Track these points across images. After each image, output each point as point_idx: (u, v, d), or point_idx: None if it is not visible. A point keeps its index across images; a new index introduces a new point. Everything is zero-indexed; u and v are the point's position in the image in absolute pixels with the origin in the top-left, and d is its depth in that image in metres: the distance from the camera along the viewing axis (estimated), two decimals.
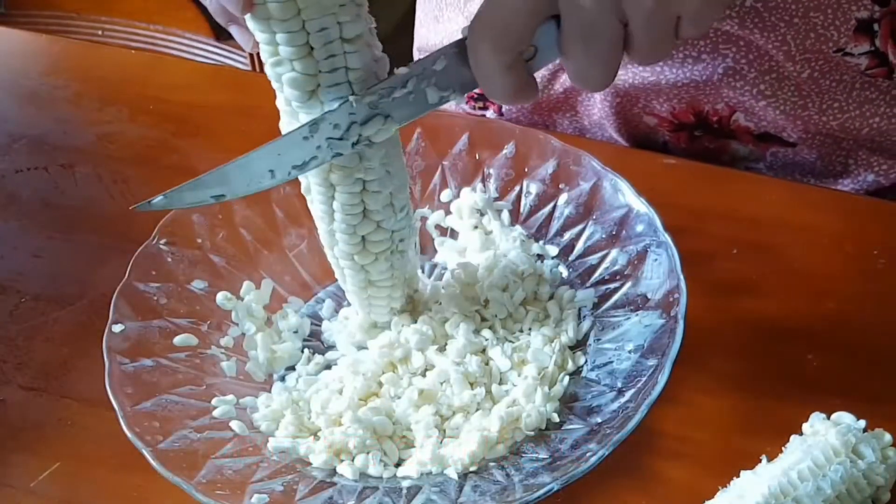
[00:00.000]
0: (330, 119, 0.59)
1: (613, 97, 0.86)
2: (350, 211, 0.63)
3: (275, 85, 0.61)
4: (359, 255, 0.66)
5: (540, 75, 0.86)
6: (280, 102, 0.62)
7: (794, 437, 0.62)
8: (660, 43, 0.53)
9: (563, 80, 0.88)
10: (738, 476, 0.60)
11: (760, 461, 0.60)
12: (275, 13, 0.57)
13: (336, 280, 0.72)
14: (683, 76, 0.83)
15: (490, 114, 0.92)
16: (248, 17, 0.58)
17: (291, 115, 0.61)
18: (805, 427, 0.63)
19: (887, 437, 0.62)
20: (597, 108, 0.88)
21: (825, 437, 0.60)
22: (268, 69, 0.60)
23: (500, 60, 0.54)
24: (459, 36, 0.81)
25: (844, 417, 0.63)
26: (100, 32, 1.40)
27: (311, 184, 0.64)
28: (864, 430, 0.62)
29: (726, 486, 0.60)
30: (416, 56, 0.98)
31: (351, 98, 0.59)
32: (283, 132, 0.63)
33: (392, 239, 0.66)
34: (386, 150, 0.63)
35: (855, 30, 0.78)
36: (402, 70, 0.59)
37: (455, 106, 0.94)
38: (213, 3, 0.61)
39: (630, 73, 0.84)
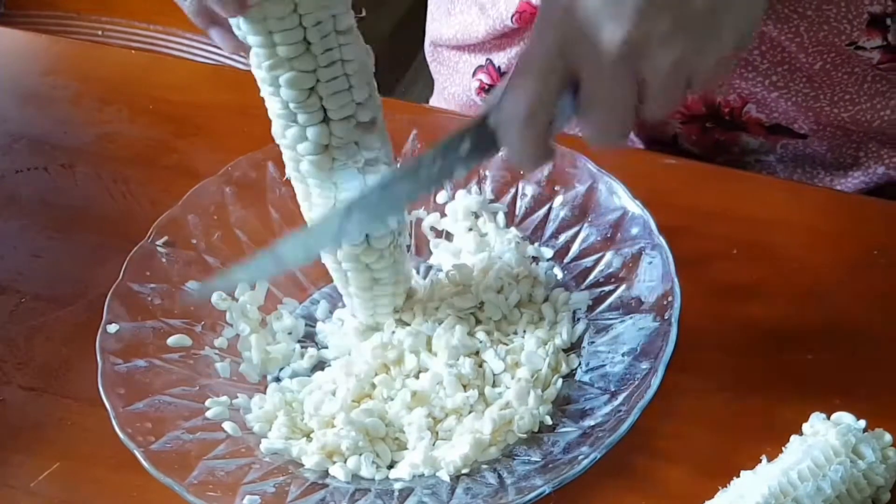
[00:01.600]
0: (361, 204, 0.61)
1: None
2: None
3: (268, 90, 0.60)
4: (363, 253, 0.66)
5: None
6: (274, 107, 0.61)
7: (794, 438, 0.62)
8: (672, 101, 0.55)
9: None
10: (737, 476, 0.60)
11: (760, 461, 0.60)
12: (271, 11, 0.57)
13: (331, 282, 0.72)
14: None
15: None
16: (239, 19, 0.58)
17: (287, 117, 0.61)
18: (805, 427, 0.63)
19: (887, 437, 0.62)
20: None
21: (825, 437, 0.60)
22: (261, 73, 0.60)
23: (532, 135, 0.56)
24: (477, 31, 0.81)
25: (844, 417, 0.63)
26: (100, 32, 1.40)
27: (310, 186, 0.64)
28: (864, 430, 0.62)
29: (726, 487, 0.60)
30: (429, 50, 0.98)
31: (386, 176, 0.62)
32: (277, 138, 0.63)
33: (393, 233, 0.66)
34: (382, 139, 0.63)
35: (868, 24, 0.78)
36: (426, 154, 0.60)
37: (466, 100, 0.94)
38: (192, 5, 0.60)
39: None
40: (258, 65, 0.60)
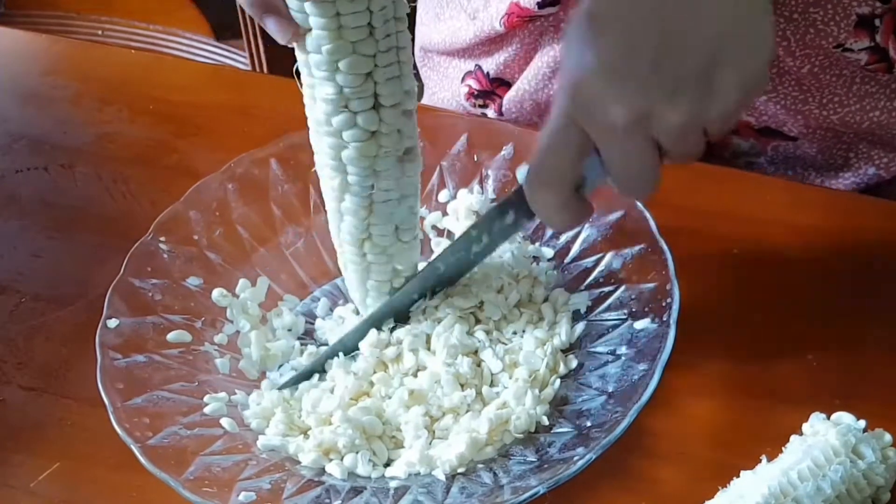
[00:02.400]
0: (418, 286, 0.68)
1: None
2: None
3: (320, 74, 0.60)
4: (392, 245, 0.67)
5: (541, 73, 0.86)
6: (325, 93, 0.61)
7: (794, 438, 0.62)
8: (693, 151, 0.57)
9: None
10: (737, 476, 0.60)
11: (760, 461, 0.60)
12: None
13: (332, 279, 0.72)
14: None
15: (490, 112, 0.92)
16: (306, 3, 0.58)
17: (338, 103, 0.61)
18: (805, 427, 0.63)
19: (887, 437, 0.62)
20: None
21: (825, 437, 0.60)
22: (317, 58, 0.60)
23: (558, 201, 0.59)
24: (465, 36, 0.83)
25: (844, 417, 0.63)
26: (100, 32, 1.40)
27: (349, 175, 0.64)
28: (864, 430, 0.62)
29: (726, 487, 0.60)
30: (418, 55, 0.98)
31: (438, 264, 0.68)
32: (320, 125, 0.63)
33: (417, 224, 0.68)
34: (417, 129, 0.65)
35: (855, 25, 0.78)
36: (473, 230, 0.66)
37: (455, 105, 0.94)
38: None
39: None
40: (317, 49, 0.60)
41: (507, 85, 0.89)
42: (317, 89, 0.62)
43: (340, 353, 0.69)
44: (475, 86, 0.91)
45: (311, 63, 0.61)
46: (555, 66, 0.86)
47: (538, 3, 0.81)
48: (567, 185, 0.58)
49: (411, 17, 0.97)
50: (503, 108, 0.90)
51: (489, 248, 0.67)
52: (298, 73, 0.63)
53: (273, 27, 0.61)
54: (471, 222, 0.76)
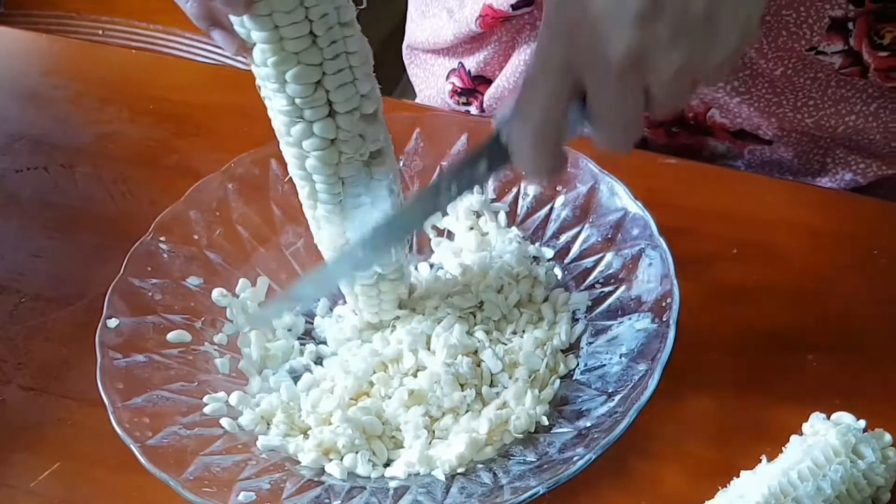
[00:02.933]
0: (380, 232, 0.64)
1: None
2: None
3: (271, 87, 0.60)
4: None
5: (519, 70, 0.87)
6: (278, 105, 0.61)
7: (794, 438, 0.62)
8: (678, 103, 0.56)
9: None
10: (737, 476, 0.60)
11: (760, 461, 0.60)
12: (278, 5, 0.57)
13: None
14: None
15: (473, 109, 0.92)
16: (244, 17, 0.58)
17: (292, 114, 0.61)
18: (805, 427, 0.63)
19: (887, 437, 0.62)
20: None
21: (825, 437, 0.60)
22: (265, 71, 0.60)
23: (544, 150, 0.57)
24: (445, 34, 0.82)
25: (844, 417, 0.63)
26: (100, 32, 1.40)
27: (316, 183, 0.64)
28: (864, 430, 0.62)
29: (726, 487, 0.60)
30: (406, 53, 0.98)
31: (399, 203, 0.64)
32: (281, 136, 0.63)
33: None
34: (384, 130, 0.64)
35: (828, 28, 0.77)
36: (444, 178, 0.62)
37: (440, 102, 0.94)
38: (194, 7, 0.60)
39: None
40: (263, 62, 0.59)
41: (488, 82, 0.90)
42: (272, 101, 0.61)
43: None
44: (458, 83, 0.92)
45: (262, 76, 0.60)
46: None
47: (512, 5, 0.81)
48: (556, 130, 0.57)
49: (402, 15, 0.98)
50: (484, 105, 0.91)
51: (456, 196, 0.63)
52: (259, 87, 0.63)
53: (219, 40, 0.61)
54: (471, 222, 0.76)
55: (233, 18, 0.59)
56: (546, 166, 0.58)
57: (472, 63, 0.90)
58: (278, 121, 0.62)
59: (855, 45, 0.78)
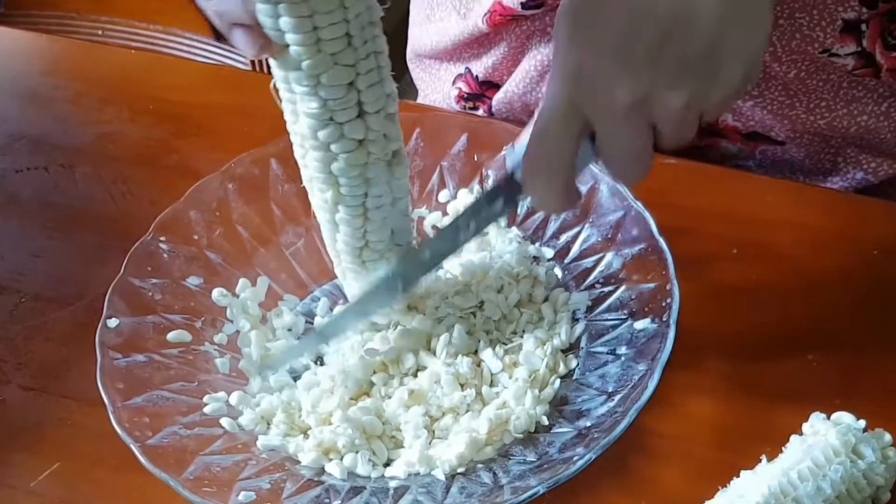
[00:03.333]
0: (403, 269, 0.66)
1: None
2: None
3: (301, 90, 0.59)
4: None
5: (529, 76, 0.87)
6: (308, 107, 0.59)
7: (794, 437, 0.62)
8: (686, 135, 0.57)
9: None
10: (737, 476, 0.60)
11: (760, 461, 0.60)
12: (320, 5, 0.56)
13: (332, 279, 0.72)
14: None
15: (480, 113, 0.92)
16: (280, 19, 0.57)
17: (322, 116, 0.60)
18: (805, 427, 0.63)
19: (887, 437, 0.62)
20: None
21: (825, 437, 0.60)
22: (296, 74, 0.58)
23: (558, 186, 0.59)
24: (452, 34, 0.83)
25: (844, 417, 0.63)
26: (100, 32, 1.40)
27: (341, 186, 0.64)
28: (864, 430, 0.62)
29: (726, 487, 0.60)
30: (410, 58, 0.98)
31: (417, 245, 0.66)
32: (306, 140, 0.62)
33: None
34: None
35: (841, 30, 0.78)
36: (462, 216, 0.64)
37: (446, 107, 0.94)
38: (220, 4, 0.59)
39: None
40: (296, 65, 0.58)
41: (496, 87, 0.90)
42: (299, 104, 0.61)
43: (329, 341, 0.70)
44: (465, 88, 0.92)
45: (291, 79, 0.59)
46: (542, 68, 0.86)
47: (522, 4, 0.82)
48: (568, 169, 0.58)
49: (404, 20, 0.98)
50: (493, 110, 0.91)
51: (475, 234, 0.65)
52: (277, 89, 0.62)
53: (241, 40, 0.59)
54: None
55: (265, 20, 0.58)
56: (560, 204, 0.60)
57: (480, 68, 0.90)
58: (303, 124, 0.61)
59: (868, 47, 0.78)
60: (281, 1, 0.56)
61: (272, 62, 0.60)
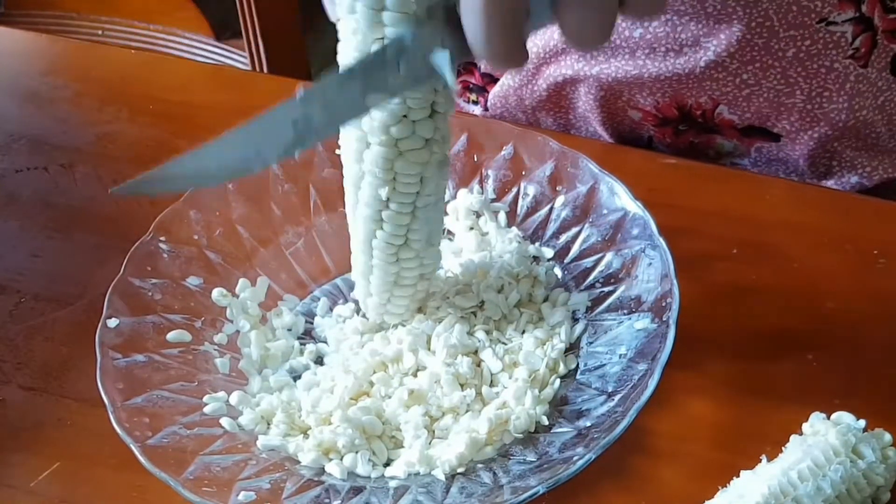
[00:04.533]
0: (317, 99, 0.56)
1: (598, 90, 0.86)
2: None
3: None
4: (401, 249, 0.66)
5: (524, 70, 0.86)
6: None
7: (793, 437, 0.62)
8: (658, 1, 0.52)
9: (547, 76, 0.88)
10: (737, 476, 0.60)
11: (760, 461, 0.60)
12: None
13: (332, 279, 0.72)
14: (665, 69, 0.83)
15: (477, 109, 0.92)
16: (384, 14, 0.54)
17: (398, 113, 0.59)
18: (805, 427, 0.63)
19: (887, 437, 0.62)
20: (581, 100, 0.88)
21: (825, 437, 0.60)
22: None
23: (497, 22, 0.51)
24: None
25: (844, 417, 0.63)
26: (100, 32, 1.41)
27: (397, 185, 0.63)
28: (864, 430, 0.62)
29: (726, 487, 0.60)
30: None
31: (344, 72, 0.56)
32: (377, 134, 0.60)
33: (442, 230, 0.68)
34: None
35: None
36: (381, 48, 0.55)
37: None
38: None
39: (613, 67, 0.84)
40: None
41: (495, 81, 0.90)
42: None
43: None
44: (471, 79, 0.92)
45: None
46: (538, 61, 0.86)
47: None
48: (514, 5, 0.50)
49: None
50: (488, 103, 0.91)
51: (408, 78, 0.55)
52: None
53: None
54: (471, 222, 0.76)
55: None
56: (500, 45, 0.51)
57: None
58: (375, 119, 0.60)
59: (867, 12, 0.78)
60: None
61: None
